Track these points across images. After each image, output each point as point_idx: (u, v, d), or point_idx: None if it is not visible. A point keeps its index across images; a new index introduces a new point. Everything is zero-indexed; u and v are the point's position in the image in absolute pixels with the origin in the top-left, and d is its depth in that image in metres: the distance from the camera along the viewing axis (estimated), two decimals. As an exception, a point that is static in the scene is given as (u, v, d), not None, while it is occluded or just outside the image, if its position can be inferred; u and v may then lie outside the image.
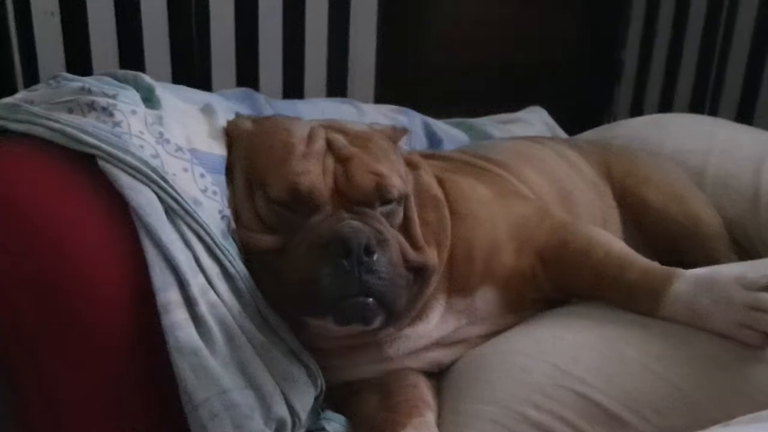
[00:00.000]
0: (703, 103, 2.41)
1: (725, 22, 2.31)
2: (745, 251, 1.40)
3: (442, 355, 1.04)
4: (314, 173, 0.91)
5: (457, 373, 1.01)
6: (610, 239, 1.04)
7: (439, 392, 1.01)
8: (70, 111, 0.91)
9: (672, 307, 0.92)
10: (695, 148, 1.53)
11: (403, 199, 0.97)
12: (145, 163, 0.87)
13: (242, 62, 2.05)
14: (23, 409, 0.85)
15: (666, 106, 2.55)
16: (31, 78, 1.79)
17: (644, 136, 1.60)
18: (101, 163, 0.86)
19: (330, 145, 0.95)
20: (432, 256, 0.98)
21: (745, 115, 2.25)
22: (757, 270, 0.90)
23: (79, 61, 1.83)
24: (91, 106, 0.91)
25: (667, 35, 2.53)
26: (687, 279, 0.92)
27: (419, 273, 0.97)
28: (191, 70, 1.98)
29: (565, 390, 0.89)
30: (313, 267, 0.87)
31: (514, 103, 1.91)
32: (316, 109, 1.45)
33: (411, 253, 0.95)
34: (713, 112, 2.35)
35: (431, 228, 1.00)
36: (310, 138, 0.95)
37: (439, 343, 1.03)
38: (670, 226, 1.33)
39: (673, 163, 1.48)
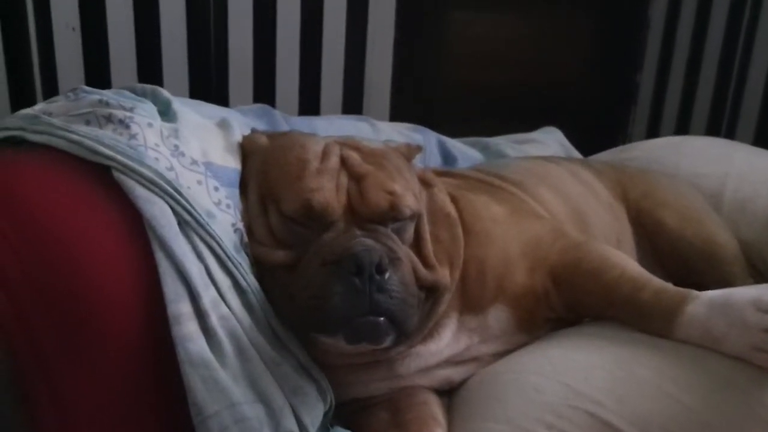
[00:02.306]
0: (720, 126, 2.40)
1: (743, 46, 2.31)
2: (761, 275, 1.39)
3: (453, 373, 1.03)
4: (328, 190, 0.91)
5: (468, 391, 1.01)
6: (624, 259, 1.03)
7: (449, 410, 1.00)
8: (88, 123, 0.92)
9: (686, 328, 0.91)
10: (712, 171, 1.52)
11: (416, 218, 0.97)
12: (160, 175, 0.88)
13: (259, 79, 2.07)
14: (35, 419, 0.84)
15: (682, 128, 2.54)
16: (51, 91, 1.82)
17: (661, 159, 1.60)
18: (116, 174, 0.87)
19: (344, 162, 0.95)
20: (444, 275, 0.98)
21: (762, 138, 2.24)
22: (773, 293, 0.89)
23: (98, 76, 1.86)
24: (109, 119, 0.92)
25: (685, 58, 2.53)
26: (702, 301, 0.91)
27: (431, 291, 0.97)
28: (209, 85, 2.00)
29: (577, 410, 0.88)
30: (324, 284, 0.87)
31: (529, 124, 1.91)
32: (332, 126, 1.46)
33: (423, 272, 0.95)
34: (730, 135, 2.34)
35: (444, 246, 1.00)
36: (325, 154, 0.95)
37: (451, 361, 1.02)
38: (685, 249, 1.32)
39: (689, 185, 1.48)
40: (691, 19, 2.48)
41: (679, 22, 2.53)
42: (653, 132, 2.64)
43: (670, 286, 0.96)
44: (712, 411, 0.85)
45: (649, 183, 1.42)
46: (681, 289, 0.94)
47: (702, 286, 1.00)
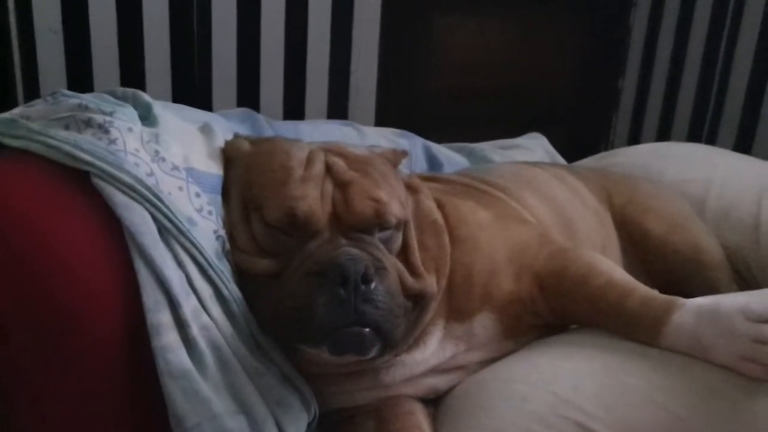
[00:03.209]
0: (701, 131, 2.42)
1: (724, 52, 2.33)
2: (745, 281, 1.39)
3: (439, 382, 1.02)
4: (312, 198, 0.90)
5: (455, 400, 1.00)
6: (610, 266, 1.03)
7: (435, 420, 0.99)
8: (67, 127, 0.90)
9: (673, 336, 0.91)
10: (696, 177, 1.53)
11: (402, 225, 0.96)
12: (140, 181, 0.86)
13: (243, 82, 2.06)
14: (13, 424, 0.83)
15: (664, 134, 2.56)
16: (33, 95, 1.80)
17: (645, 165, 1.60)
18: (95, 180, 0.85)
19: (329, 169, 0.94)
20: (431, 283, 0.97)
21: (742, 144, 2.26)
22: (761, 301, 0.88)
23: (80, 79, 1.84)
24: (88, 123, 0.90)
25: (666, 64, 2.55)
26: (689, 309, 0.91)
27: (417, 300, 0.96)
28: (192, 89, 1.99)
29: (565, 419, 0.87)
30: (308, 294, 0.85)
31: (513, 129, 1.92)
32: (317, 130, 1.45)
33: (409, 281, 0.94)
34: (711, 141, 2.36)
35: (430, 254, 0.99)
36: (309, 161, 0.94)
37: (437, 370, 1.01)
38: (670, 255, 1.32)
39: (673, 191, 1.48)
40: (672, 26, 2.50)
41: (661, 29, 2.55)
42: (635, 137, 2.66)
43: (656, 293, 0.96)
44: (700, 420, 0.85)
45: (633, 189, 1.42)
46: (668, 297, 0.94)
47: (687, 292, 1.00)
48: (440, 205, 1.07)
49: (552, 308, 1.02)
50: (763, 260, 1.37)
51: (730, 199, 1.46)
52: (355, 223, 0.90)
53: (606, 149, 2.42)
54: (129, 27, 1.87)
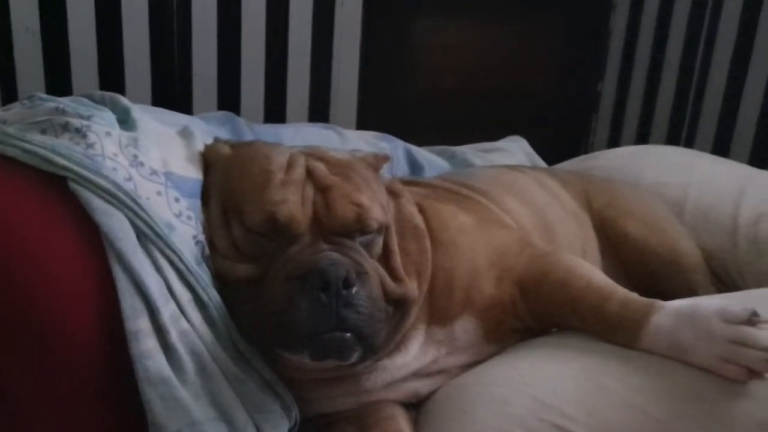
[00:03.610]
0: (680, 134, 2.45)
1: (702, 56, 2.35)
2: (723, 283, 1.40)
3: (420, 386, 1.02)
4: (293, 202, 0.89)
5: (436, 404, 0.99)
6: (590, 269, 1.03)
7: (416, 424, 0.99)
8: (44, 132, 0.89)
9: (652, 339, 0.91)
10: (675, 180, 1.54)
11: (383, 230, 0.96)
12: (118, 186, 0.85)
13: (224, 85, 2.05)
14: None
15: (643, 137, 2.58)
16: (10, 98, 1.78)
17: (624, 168, 1.61)
18: (72, 185, 0.84)
19: (310, 174, 0.93)
20: (412, 288, 0.97)
21: (720, 147, 2.28)
22: (739, 303, 0.89)
23: (59, 82, 1.82)
24: (65, 127, 0.89)
25: (645, 67, 2.57)
26: (668, 311, 0.91)
27: (399, 305, 0.96)
28: (172, 92, 1.98)
29: (546, 423, 0.88)
30: (289, 300, 0.84)
31: (493, 132, 1.92)
32: (297, 134, 1.45)
33: (391, 285, 0.94)
34: (689, 144, 2.38)
35: (412, 258, 0.99)
36: (290, 165, 0.93)
37: (418, 374, 1.01)
38: (649, 258, 1.33)
39: (652, 194, 1.49)
40: (651, 30, 2.53)
41: (640, 33, 2.57)
42: (615, 140, 2.68)
43: (635, 296, 0.96)
44: (680, 423, 0.85)
45: (612, 192, 1.43)
46: (647, 300, 0.95)
47: (666, 295, 1.01)
48: (421, 210, 1.07)
49: (533, 311, 1.03)
50: (741, 262, 1.39)
51: (708, 202, 1.48)
52: (337, 227, 0.90)
53: (586, 152, 2.44)
54: (108, 29, 1.86)
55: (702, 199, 1.48)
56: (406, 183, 1.19)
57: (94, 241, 0.84)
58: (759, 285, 1.32)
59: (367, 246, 0.93)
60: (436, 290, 1.01)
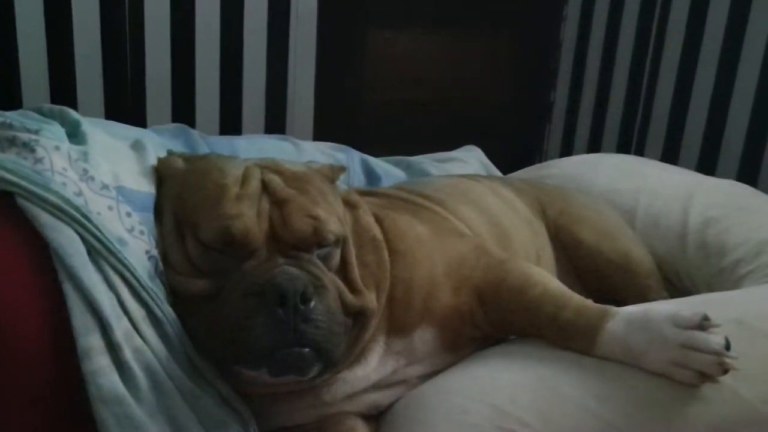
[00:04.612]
0: (630, 142, 2.50)
1: (650, 66, 2.41)
2: (675, 288, 1.43)
3: (380, 397, 1.01)
4: (248, 216, 0.88)
5: (395, 416, 0.99)
6: (546, 277, 1.05)
7: (376, 436, 0.99)
8: (-10, 147, 0.87)
9: (607, 345, 0.93)
10: (626, 187, 1.57)
11: (341, 242, 0.95)
12: (67, 201, 0.83)
13: (178, 97, 2.02)
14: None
15: (595, 145, 2.63)
16: (-43, 112, 1.72)
17: (577, 176, 1.64)
18: (20, 201, 0.82)
19: (266, 187, 0.92)
20: (371, 300, 0.96)
21: (669, 154, 2.34)
22: (690, 308, 0.91)
23: (8, 96, 1.77)
24: (12, 142, 0.87)
25: (595, 78, 2.62)
26: (621, 317, 0.93)
27: (358, 317, 0.95)
28: (125, 104, 1.94)
29: (504, 431, 0.88)
30: (246, 316, 0.83)
31: (449, 142, 1.93)
32: (253, 146, 1.43)
33: (349, 298, 0.93)
34: (639, 152, 2.43)
35: (370, 270, 0.99)
36: (245, 179, 0.92)
37: (378, 386, 1.00)
38: (602, 264, 1.35)
39: (604, 202, 1.52)
40: (600, 41, 2.58)
41: (590, 44, 2.62)
42: (567, 149, 2.72)
43: (590, 303, 0.98)
44: (635, 428, 0.87)
45: (566, 200, 1.45)
46: (601, 306, 0.96)
47: (620, 301, 1.03)
48: (378, 220, 1.07)
49: (490, 320, 1.03)
50: (691, 267, 1.42)
51: (658, 208, 1.51)
52: (293, 241, 0.89)
53: (540, 160, 2.47)
54: (59, 41, 1.81)
55: (652, 205, 1.51)
56: (363, 194, 1.19)
57: (44, 257, 0.81)
58: (709, 289, 1.36)
59: (325, 259, 0.92)
60: (394, 301, 1.00)
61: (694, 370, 0.87)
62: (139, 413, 0.81)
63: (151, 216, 0.93)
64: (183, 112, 2.03)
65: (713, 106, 2.22)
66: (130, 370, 0.82)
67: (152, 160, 1.00)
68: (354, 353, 0.97)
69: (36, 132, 0.88)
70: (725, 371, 0.87)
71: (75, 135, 0.94)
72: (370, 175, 1.61)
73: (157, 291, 0.87)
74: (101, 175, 0.90)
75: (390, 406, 1.01)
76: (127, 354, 0.82)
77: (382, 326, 1.00)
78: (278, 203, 0.90)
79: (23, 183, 0.82)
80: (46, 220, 0.82)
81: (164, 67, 1.98)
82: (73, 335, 0.80)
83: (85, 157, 0.90)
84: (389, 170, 1.65)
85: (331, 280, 0.91)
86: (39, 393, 0.81)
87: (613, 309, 0.95)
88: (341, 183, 1.11)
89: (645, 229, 1.49)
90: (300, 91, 2.18)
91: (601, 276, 1.35)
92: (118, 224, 0.87)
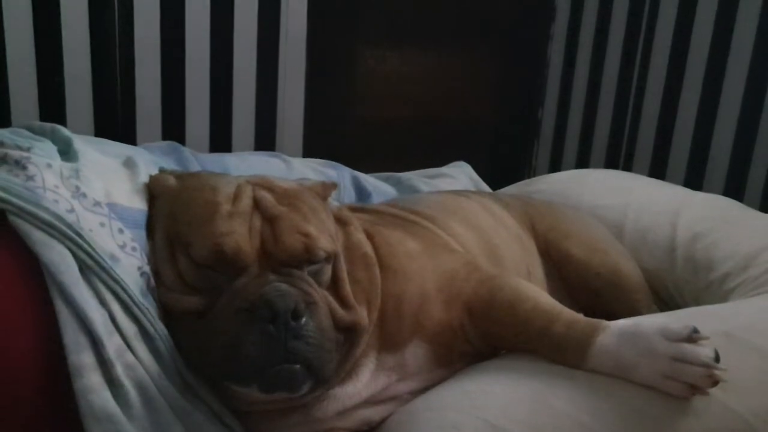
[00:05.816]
0: (618, 158, 2.52)
1: (637, 83, 2.44)
2: (664, 301, 1.44)
3: (372, 414, 1.01)
4: (239, 234, 0.88)
5: (388, 432, 0.99)
6: (536, 292, 1.05)
7: (368, 452, 0.99)
8: (-19, 165, 0.87)
9: (598, 359, 0.93)
10: (614, 203, 1.58)
11: (332, 259, 0.95)
12: (59, 218, 0.83)
13: (168, 114, 2.03)
14: None
15: (583, 161, 2.65)
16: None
17: (565, 191, 1.65)
18: (11, 218, 0.82)
19: (257, 204, 0.92)
20: (362, 316, 0.96)
21: (657, 169, 2.36)
22: (679, 321, 0.92)
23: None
24: (4, 160, 0.87)
25: (583, 95, 2.65)
26: (612, 331, 0.94)
27: (349, 333, 0.95)
28: (115, 122, 1.94)
29: (497, 446, 0.88)
30: (237, 332, 0.83)
31: (439, 158, 1.95)
32: (243, 163, 1.44)
33: (340, 313, 0.93)
34: (627, 167, 2.46)
35: (362, 286, 0.99)
36: (236, 196, 0.92)
37: (369, 402, 1.00)
38: (592, 278, 1.36)
39: (593, 217, 1.53)
40: (587, 58, 2.61)
41: (577, 61, 2.66)
42: (556, 165, 2.74)
43: (581, 317, 0.98)
44: (626, 441, 0.87)
45: (555, 215, 1.46)
46: (592, 320, 0.97)
47: (610, 315, 1.03)
48: (369, 236, 1.07)
49: (482, 335, 1.04)
50: (680, 281, 1.43)
51: (646, 223, 1.52)
52: (285, 258, 0.89)
53: (529, 176, 2.49)
54: (49, 59, 1.82)
55: (640, 220, 1.53)
56: (354, 210, 1.19)
57: (36, 274, 0.81)
58: (698, 302, 1.36)
59: (316, 275, 0.92)
60: (385, 317, 1.01)
61: (684, 382, 0.88)
62: (130, 430, 0.81)
63: (143, 233, 0.93)
64: (173, 130, 2.03)
65: (699, 121, 2.25)
66: (122, 387, 0.82)
67: (144, 178, 1.00)
68: (345, 369, 0.97)
69: (27, 149, 0.89)
70: (715, 383, 0.88)
71: (67, 152, 0.95)
72: (361, 191, 1.61)
73: (149, 307, 0.87)
74: (93, 192, 0.90)
75: (382, 422, 1.01)
76: (119, 371, 0.82)
77: (373, 342, 1.00)
78: (270, 220, 0.91)
79: (15, 200, 0.82)
80: (37, 237, 0.82)
81: (154, 85, 1.99)
82: (65, 352, 0.80)
83: (77, 174, 0.90)
84: (379, 186, 1.66)
85: (323, 296, 0.92)
86: (30, 411, 0.80)
87: (604, 323, 0.95)
88: (332, 200, 1.11)
89: (633, 244, 1.50)
90: (289, 109, 2.19)
91: (591, 291, 1.36)
92: (110, 241, 0.87)
